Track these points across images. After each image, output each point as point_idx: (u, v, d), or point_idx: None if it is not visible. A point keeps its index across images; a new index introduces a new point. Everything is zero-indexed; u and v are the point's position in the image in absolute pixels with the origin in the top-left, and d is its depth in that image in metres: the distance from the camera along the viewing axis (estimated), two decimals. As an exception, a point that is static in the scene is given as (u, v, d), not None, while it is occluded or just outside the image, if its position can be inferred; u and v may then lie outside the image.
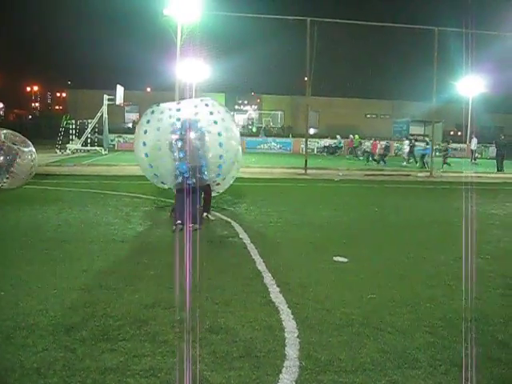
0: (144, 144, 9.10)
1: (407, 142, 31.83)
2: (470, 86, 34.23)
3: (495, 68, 34.56)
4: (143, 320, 4.67)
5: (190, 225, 8.36)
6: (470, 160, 35.09)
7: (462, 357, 4.09)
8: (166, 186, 9.90)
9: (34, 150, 13.84)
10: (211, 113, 9.15)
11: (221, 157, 9.11)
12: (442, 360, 4.05)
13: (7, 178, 13.09)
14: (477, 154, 37.94)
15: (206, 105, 9.32)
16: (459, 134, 37.88)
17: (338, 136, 42.10)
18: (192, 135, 8.74)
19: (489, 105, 47.49)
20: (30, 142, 13.84)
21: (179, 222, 8.66)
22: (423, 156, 28.58)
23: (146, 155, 9.13)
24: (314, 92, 26.82)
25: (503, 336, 4.56)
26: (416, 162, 29.73)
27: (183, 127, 8.76)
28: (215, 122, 9.05)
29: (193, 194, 8.61)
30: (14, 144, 13.40)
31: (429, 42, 24.71)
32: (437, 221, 10.80)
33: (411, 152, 30.62)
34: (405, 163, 30.25)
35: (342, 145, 41.21)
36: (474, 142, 36.06)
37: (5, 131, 13.36)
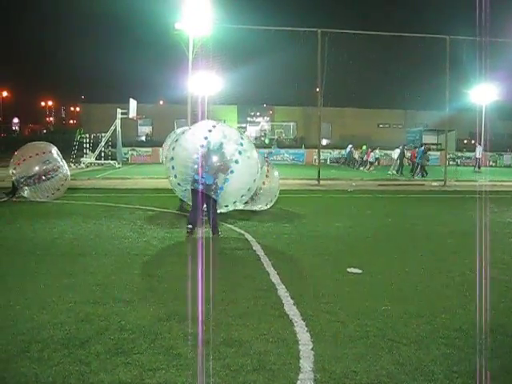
0: (172, 162, 9.66)
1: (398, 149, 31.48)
2: (483, 93, 34.05)
3: (508, 75, 34.38)
4: (157, 333, 4.67)
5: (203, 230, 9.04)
6: (474, 168, 34.90)
7: (479, 369, 4.05)
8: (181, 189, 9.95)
9: (68, 173, 15.17)
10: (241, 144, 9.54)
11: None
12: (459, 372, 4.01)
13: (30, 186, 13.70)
14: (491, 163, 37.80)
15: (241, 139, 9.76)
16: (473, 142, 37.64)
17: (349, 145, 41.98)
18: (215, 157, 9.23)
19: (502, 112, 47.26)
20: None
21: (190, 226, 9.27)
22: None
23: (175, 176, 9.62)
24: (326, 103, 26.82)
25: (520, 347, 4.52)
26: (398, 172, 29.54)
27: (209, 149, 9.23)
28: (240, 153, 9.38)
29: (207, 199, 9.21)
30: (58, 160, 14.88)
31: (441, 50, 24.65)
32: (451, 230, 10.72)
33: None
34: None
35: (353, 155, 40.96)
36: (479, 151, 35.84)
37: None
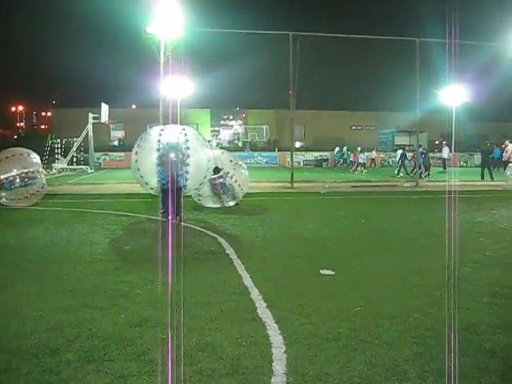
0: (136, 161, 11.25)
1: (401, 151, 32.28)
2: (454, 95, 34.51)
3: (478, 77, 34.86)
4: (129, 339, 4.62)
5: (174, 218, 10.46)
6: (442, 169, 35.40)
7: (450, 367, 4.08)
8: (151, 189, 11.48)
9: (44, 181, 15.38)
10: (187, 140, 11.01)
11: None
12: (430, 371, 4.04)
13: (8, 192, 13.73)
14: (462, 163, 38.32)
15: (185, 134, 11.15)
16: (444, 143, 38.05)
17: (337, 148, 42.38)
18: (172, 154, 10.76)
19: (472, 113, 47.85)
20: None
21: (169, 217, 10.49)
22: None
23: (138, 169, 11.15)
24: (299, 105, 26.86)
25: (490, 345, 4.56)
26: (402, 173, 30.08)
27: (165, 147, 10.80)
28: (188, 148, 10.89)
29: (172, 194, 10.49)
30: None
31: (411, 52, 24.95)
32: (423, 231, 10.84)
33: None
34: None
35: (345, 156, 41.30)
36: (446, 151, 36.29)
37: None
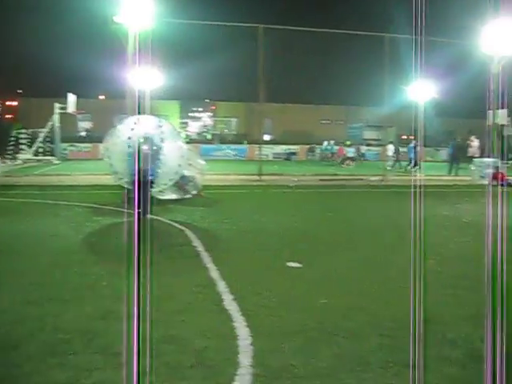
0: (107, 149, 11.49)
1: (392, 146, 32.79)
2: (421, 91, 34.93)
3: (445, 74, 35.33)
4: (94, 332, 4.57)
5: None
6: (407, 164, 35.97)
7: (413, 357, 4.14)
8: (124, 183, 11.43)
9: None
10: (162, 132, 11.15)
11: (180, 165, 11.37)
12: (394, 362, 4.09)
13: None
14: (429, 158, 38.89)
15: (160, 126, 11.28)
16: (412, 137, 38.62)
17: (325, 142, 42.49)
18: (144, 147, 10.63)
19: (440, 109, 48.45)
20: None
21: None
22: None
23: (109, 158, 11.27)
24: (269, 99, 26.93)
25: (453, 335, 4.65)
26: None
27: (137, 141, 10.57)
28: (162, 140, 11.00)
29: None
30: None
31: (380, 48, 25.16)
32: (390, 224, 10.97)
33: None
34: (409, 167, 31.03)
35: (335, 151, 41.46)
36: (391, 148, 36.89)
37: None
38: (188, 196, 13.56)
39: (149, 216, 10.19)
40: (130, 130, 10.80)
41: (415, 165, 29.09)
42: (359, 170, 30.02)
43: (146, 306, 5.12)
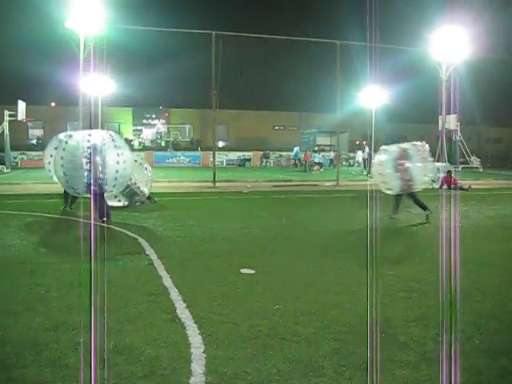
0: (62, 165, 10.82)
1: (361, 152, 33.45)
2: (373, 97, 35.52)
3: (397, 80, 36.09)
4: (44, 344, 4.46)
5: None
6: (362, 168, 36.76)
7: (366, 361, 4.20)
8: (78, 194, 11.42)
9: None
10: (113, 140, 11.06)
11: (117, 171, 10.85)
12: (347, 365, 4.12)
13: None
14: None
15: (111, 135, 11.20)
16: (364, 143, 39.31)
17: (295, 148, 42.78)
18: (96, 158, 10.61)
19: (392, 115, 49.29)
20: None
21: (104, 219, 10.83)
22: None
23: (65, 174, 10.81)
24: (222, 105, 26.92)
25: (405, 337, 4.72)
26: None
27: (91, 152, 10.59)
28: (116, 147, 10.97)
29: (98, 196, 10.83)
30: None
31: (333, 54, 25.51)
32: (342, 229, 11.09)
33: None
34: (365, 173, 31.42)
35: (299, 156, 41.65)
36: (366, 151, 37.64)
37: None
38: (137, 204, 13.48)
39: (101, 223, 10.13)
40: (87, 141, 10.78)
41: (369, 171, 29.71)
42: (329, 175, 30.14)
43: (98, 315, 5.06)
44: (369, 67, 26.27)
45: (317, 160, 37.17)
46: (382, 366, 4.11)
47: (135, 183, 13.10)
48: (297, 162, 42.13)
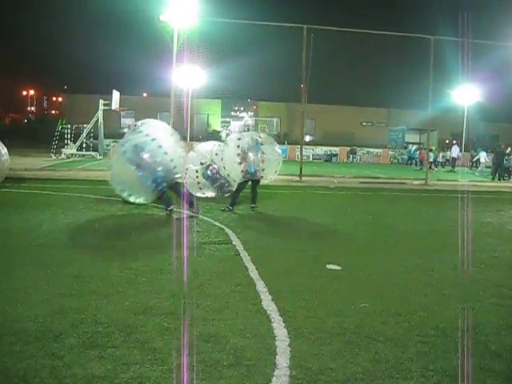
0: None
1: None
2: (466, 95, 34.38)
3: (491, 77, 34.71)
4: (133, 327, 4.60)
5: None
6: (450, 168, 35.75)
7: (455, 367, 4.05)
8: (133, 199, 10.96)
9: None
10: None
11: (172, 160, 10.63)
12: (435, 370, 4.00)
13: None
14: (470, 162, 38.53)
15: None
16: (454, 142, 38.14)
17: (410, 145, 42.55)
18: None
19: (484, 114, 47.57)
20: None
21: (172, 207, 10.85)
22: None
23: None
24: (310, 99, 26.72)
25: (496, 346, 4.52)
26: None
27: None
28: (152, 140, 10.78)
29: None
30: None
31: (425, 50, 24.78)
32: (431, 229, 10.78)
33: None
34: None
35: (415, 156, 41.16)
36: (456, 151, 36.41)
37: None
38: (227, 195, 13.56)
39: (189, 214, 10.35)
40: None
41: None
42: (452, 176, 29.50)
43: (185, 303, 5.16)
44: (463, 64, 25.34)
45: (439, 159, 36.92)
46: (471, 373, 3.96)
47: (228, 175, 13.13)
48: (413, 161, 41.29)
